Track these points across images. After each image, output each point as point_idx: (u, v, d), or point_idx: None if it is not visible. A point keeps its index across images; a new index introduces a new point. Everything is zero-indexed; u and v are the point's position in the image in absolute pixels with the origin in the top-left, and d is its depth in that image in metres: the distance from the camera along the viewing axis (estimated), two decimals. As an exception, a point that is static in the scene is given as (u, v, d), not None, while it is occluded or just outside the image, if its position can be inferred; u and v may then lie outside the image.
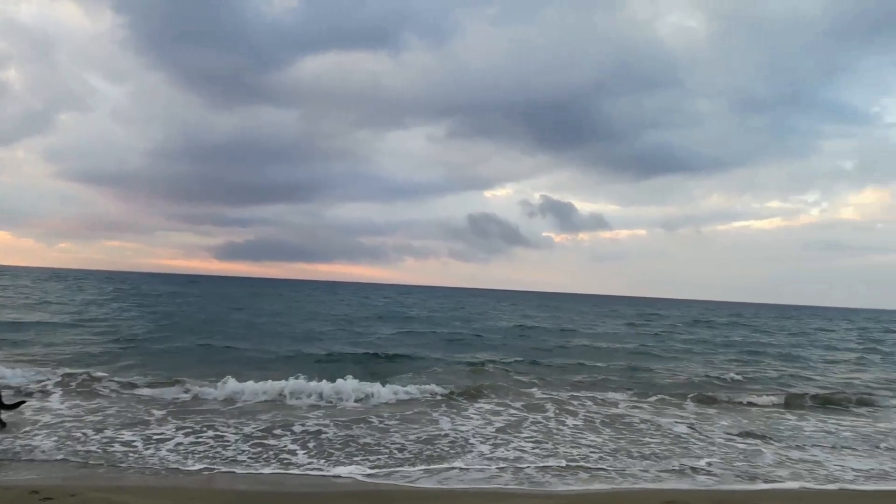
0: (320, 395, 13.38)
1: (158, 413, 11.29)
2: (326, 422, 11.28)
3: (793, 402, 15.88)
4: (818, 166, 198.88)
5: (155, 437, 9.71)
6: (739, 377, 20.07)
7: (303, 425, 10.89)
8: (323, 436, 10.31)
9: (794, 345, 34.74)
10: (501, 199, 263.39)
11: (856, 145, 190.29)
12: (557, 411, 13.11)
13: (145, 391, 13.17)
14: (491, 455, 9.57)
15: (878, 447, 11.56)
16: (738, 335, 40.17)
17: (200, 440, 9.68)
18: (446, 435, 10.70)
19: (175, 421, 10.75)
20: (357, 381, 14.26)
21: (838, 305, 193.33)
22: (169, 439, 9.62)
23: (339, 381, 14.06)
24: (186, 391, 13.20)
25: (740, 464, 9.80)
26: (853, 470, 9.81)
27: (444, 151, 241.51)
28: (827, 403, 16.09)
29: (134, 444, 9.29)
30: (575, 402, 14.20)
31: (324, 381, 13.95)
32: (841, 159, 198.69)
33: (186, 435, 9.91)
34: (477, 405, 13.49)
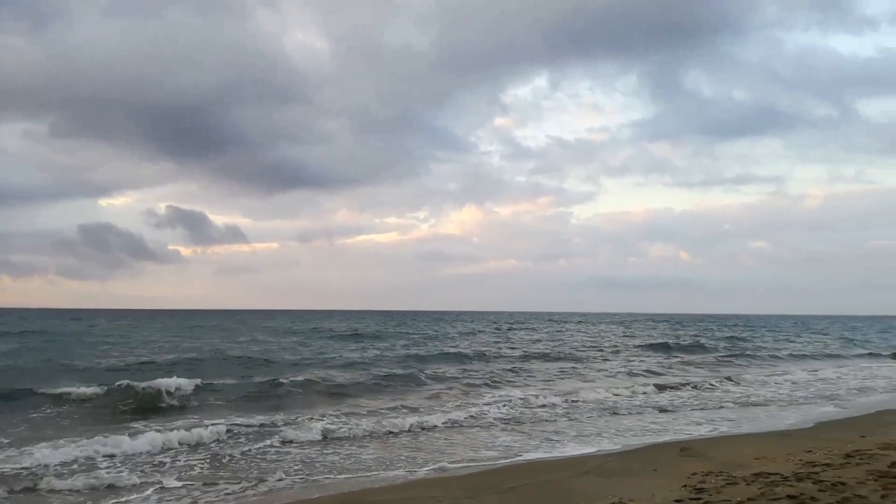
0: None
1: None
2: None
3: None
4: (428, 186, 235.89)
5: None
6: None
7: None
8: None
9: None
10: (121, 208, 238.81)
11: (458, 169, 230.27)
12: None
13: None
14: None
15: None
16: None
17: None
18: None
19: None
20: None
21: (444, 309, 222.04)
22: None
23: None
24: None
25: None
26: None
27: (47, 152, 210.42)
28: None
29: None
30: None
31: None
32: (446, 181, 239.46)
33: None
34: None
